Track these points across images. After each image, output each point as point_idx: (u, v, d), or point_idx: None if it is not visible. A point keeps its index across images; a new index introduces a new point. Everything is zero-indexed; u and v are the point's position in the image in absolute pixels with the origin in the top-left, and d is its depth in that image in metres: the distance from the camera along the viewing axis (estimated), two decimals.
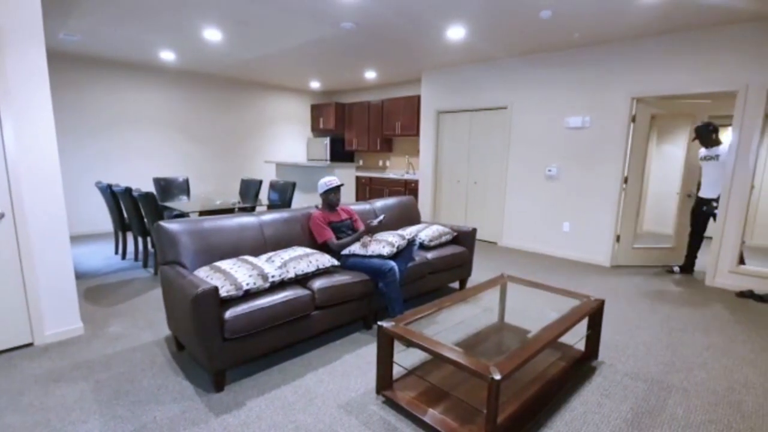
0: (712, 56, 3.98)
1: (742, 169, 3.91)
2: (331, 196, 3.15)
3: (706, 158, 4.31)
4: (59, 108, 5.67)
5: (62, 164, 5.80)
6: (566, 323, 2.18)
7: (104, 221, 6.23)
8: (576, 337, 2.69)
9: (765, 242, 4.90)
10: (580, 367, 2.47)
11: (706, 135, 4.24)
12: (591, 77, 4.78)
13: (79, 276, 4.12)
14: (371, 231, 3.12)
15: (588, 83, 4.81)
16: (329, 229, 3.09)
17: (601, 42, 4.59)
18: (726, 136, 4.93)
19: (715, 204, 4.18)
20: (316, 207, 3.30)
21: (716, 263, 4.13)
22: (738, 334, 3.06)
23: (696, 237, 4.49)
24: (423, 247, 3.58)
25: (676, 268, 4.63)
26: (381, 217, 3.09)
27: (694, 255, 4.56)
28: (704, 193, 4.32)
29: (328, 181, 3.13)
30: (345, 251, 3.02)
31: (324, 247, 3.08)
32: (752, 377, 2.46)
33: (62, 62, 5.62)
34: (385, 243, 2.98)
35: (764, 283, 3.90)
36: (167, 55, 5.58)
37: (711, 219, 4.28)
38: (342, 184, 3.21)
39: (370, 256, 2.94)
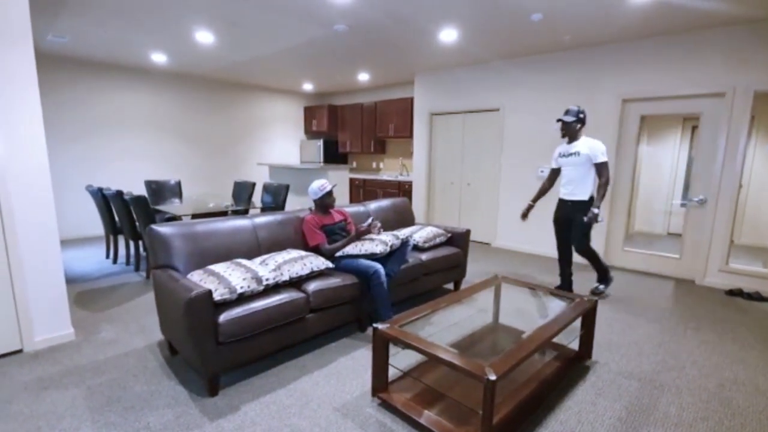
0: (699, 58, 4.05)
1: (730, 169, 3.97)
2: (326, 200, 3.15)
3: (565, 155, 3.58)
4: (48, 110, 5.59)
5: (52, 167, 5.72)
6: (560, 323, 2.20)
7: (95, 225, 6.15)
8: (570, 337, 2.71)
9: (753, 241, 4.99)
10: (574, 367, 2.48)
11: (575, 126, 3.49)
12: (581, 79, 4.82)
13: (70, 281, 4.06)
14: (362, 233, 3.10)
15: (578, 85, 4.85)
16: (321, 234, 3.08)
17: (591, 44, 4.64)
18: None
19: (596, 210, 3.35)
20: (310, 210, 3.29)
21: (706, 262, 4.19)
22: (728, 332, 3.10)
23: (565, 249, 3.77)
24: (417, 248, 3.59)
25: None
26: (369, 219, 3.10)
27: (568, 272, 3.80)
28: (573, 195, 3.55)
29: (321, 185, 3.11)
30: (339, 253, 3.01)
31: (316, 251, 3.07)
32: (742, 374, 2.49)
33: (51, 64, 5.55)
34: (378, 241, 2.98)
35: (753, 282, 3.96)
36: (158, 57, 5.53)
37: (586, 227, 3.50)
38: (335, 185, 3.20)
39: (361, 256, 2.94)
